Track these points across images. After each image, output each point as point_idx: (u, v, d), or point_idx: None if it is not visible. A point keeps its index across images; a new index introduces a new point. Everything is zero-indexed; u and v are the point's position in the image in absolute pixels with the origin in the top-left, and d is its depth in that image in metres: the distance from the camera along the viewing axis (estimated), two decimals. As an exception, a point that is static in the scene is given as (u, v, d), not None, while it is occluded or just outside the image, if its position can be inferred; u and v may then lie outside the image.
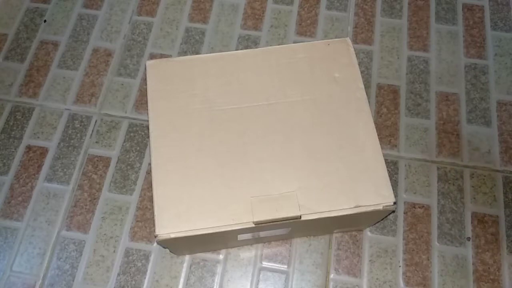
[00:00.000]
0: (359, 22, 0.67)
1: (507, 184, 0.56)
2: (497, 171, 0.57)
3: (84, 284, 0.52)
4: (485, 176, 0.57)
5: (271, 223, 0.40)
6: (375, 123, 0.59)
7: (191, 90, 0.46)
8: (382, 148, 0.51)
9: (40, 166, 0.58)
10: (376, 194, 0.41)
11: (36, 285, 0.52)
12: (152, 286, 0.52)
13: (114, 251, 0.53)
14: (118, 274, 0.52)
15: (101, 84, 0.63)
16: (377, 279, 0.52)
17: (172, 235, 0.39)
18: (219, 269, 0.52)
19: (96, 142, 0.59)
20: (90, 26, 0.67)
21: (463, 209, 0.55)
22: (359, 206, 0.41)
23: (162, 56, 0.65)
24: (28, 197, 0.56)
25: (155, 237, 0.40)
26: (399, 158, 0.58)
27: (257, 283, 0.52)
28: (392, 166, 0.57)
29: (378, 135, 0.50)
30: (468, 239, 0.54)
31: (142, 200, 0.56)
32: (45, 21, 0.67)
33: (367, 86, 0.62)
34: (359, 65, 0.52)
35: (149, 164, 0.57)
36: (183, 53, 0.65)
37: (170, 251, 0.52)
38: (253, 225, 0.40)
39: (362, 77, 0.55)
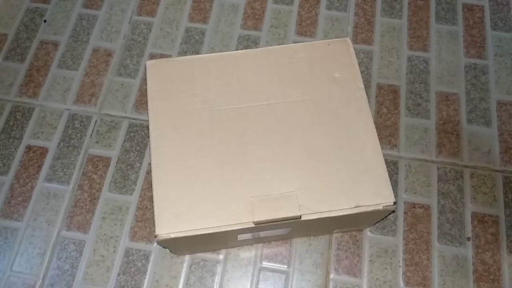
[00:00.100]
0: (359, 22, 0.67)
1: (507, 184, 0.56)
2: (497, 171, 0.57)
3: (84, 284, 0.52)
4: (485, 176, 0.57)
5: (271, 223, 0.40)
6: (375, 123, 0.59)
7: (191, 90, 0.46)
8: (382, 148, 0.51)
9: (40, 166, 0.58)
10: (376, 194, 0.41)
11: (36, 285, 0.52)
12: (152, 286, 0.52)
13: (114, 251, 0.53)
14: (118, 274, 0.52)
15: (101, 84, 0.63)
16: (377, 279, 0.52)
17: (172, 235, 0.39)
18: (219, 269, 0.52)
19: (96, 142, 0.59)
20: (90, 26, 0.67)
21: (463, 209, 0.55)
22: (359, 206, 0.41)
23: (162, 56, 0.65)
24: (28, 197, 0.56)
25: (155, 237, 0.40)
26: (399, 158, 0.58)
27: (257, 283, 0.52)
28: (392, 166, 0.57)
29: (378, 135, 0.50)
30: (468, 239, 0.54)
31: (142, 200, 0.56)
32: (45, 21, 0.67)
33: (367, 86, 0.62)
34: (359, 65, 0.52)
35: (149, 164, 0.57)
36: (183, 53, 0.65)
37: (170, 251, 0.52)
38: (253, 225, 0.40)
39: (362, 77, 0.55)
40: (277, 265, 0.52)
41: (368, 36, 0.66)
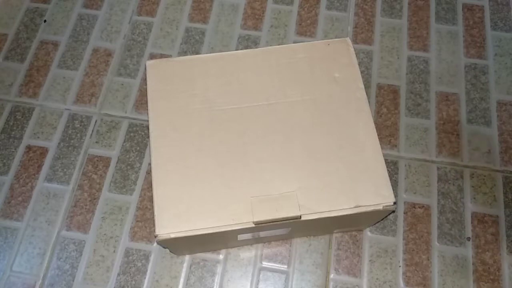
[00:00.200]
0: (359, 22, 0.67)
1: (507, 184, 0.56)
2: (497, 171, 0.57)
3: (84, 284, 0.52)
4: (485, 176, 0.57)
5: (271, 223, 0.40)
6: (375, 123, 0.59)
7: (191, 90, 0.46)
8: (382, 148, 0.51)
9: (40, 166, 0.58)
10: (376, 194, 0.41)
11: (36, 285, 0.52)
12: (152, 286, 0.52)
13: (114, 251, 0.53)
14: (118, 274, 0.52)
15: (101, 84, 0.63)
16: (377, 279, 0.52)
17: (172, 235, 0.39)
18: (219, 269, 0.52)
19: (96, 142, 0.59)
20: (90, 26, 0.67)
21: (463, 209, 0.55)
22: (359, 206, 0.41)
23: (162, 56, 0.65)
24: (28, 197, 0.56)
25: (155, 237, 0.40)
26: (399, 158, 0.58)
27: (257, 283, 0.52)
28: (392, 166, 0.57)
29: (378, 135, 0.50)
30: (468, 239, 0.54)
31: (142, 200, 0.56)
32: (45, 21, 0.67)
33: (367, 86, 0.62)
34: (359, 65, 0.52)
35: (149, 164, 0.57)
36: (183, 53, 0.65)
37: (170, 251, 0.52)
38: (253, 225, 0.40)
39: (362, 77, 0.55)
40: (277, 265, 0.52)
41: (368, 36, 0.66)
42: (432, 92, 0.62)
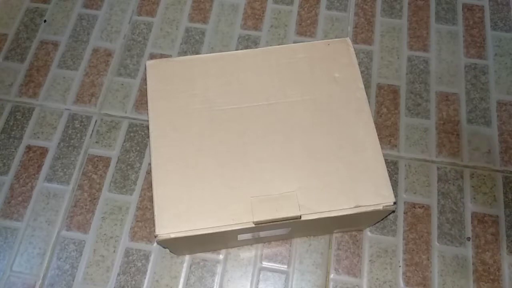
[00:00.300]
0: (359, 22, 0.67)
1: (507, 184, 0.56)
2: (497, 171, 0.57)
3: (84, 284, 0.52)
4: (485, 176, 0.57)
5: (271, 223, 0.40)
6: (375, 123, 0.59)
7: (191, 90, 0.46)
8: (382, 148, 0.51)
9: (40, 166, 0.58)
10: (376, 194, 0.41)
11: (36, 285, 0.52)
12: (152, 286, 0.52)
13: (114, 251, 0.53)
14: (118, 274, 0.52)
15: (101, 84, 0.63)
16: (377, 279, 0.52)
17: (172, 235, 0.39)
18: (219, 269, 0.52)
19: (96, 142, 0.59)
20: (90, 26, 0.67)
21: (463, 209, 0.55)
22: (359, 206, 0.41)
23: (162, 56, 0.65)
24: (28, 197, 0.56)
25: (155, 237, 0.40)
26: (399, 158, 0.58)
27: (257, 283, 0.52)
28: (392, 166, 0.57)
29: (378, 135, 0.50)
30: (468, 239, 0.54)
31: (142, 200, 0.56)
32: (45, 21, 0.67)
33: (367, 86, 0.62)
34: (359, 65, 0.52)
35: (149, 164, 0.57)
36: (183, 53, 0.65)
37: (170, 251, 0.52)
38: (253, 225, 0.40)
39: (362, 77, 0.55)
40: (277, 265, 0.52)
41: (368, 36, 0.66)
42: (432, 92, 0.62)
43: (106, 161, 0.58)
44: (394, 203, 0.41)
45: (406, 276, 0.52)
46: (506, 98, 0.61)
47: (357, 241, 0.54)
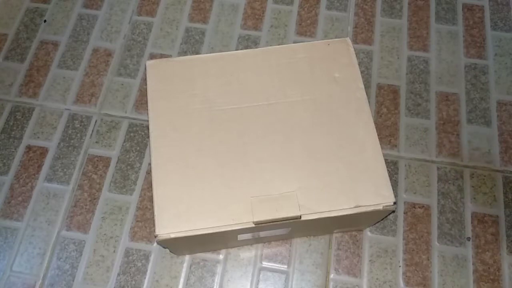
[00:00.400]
0: (359, 22, 0.67)
1: (507, 184, 0.56)
2: (497, 171, 0.57)
3: (84, 284, 0.52)
4: (485, 176, 0.57)
5: (271, 223, 0.40)
6: (375, 123, 0.59)
7: (191, 90, 0.46)
8: (382, 148, 0.51)
9: (40, 166, 0.58)
10: (376, 194, 0.41)
11: (36, 285, 0.52)
12: (152, 286, 0.52)
13: (114, 251, 0.53)
14: (118, 274, 0.52)
15: (101, 84, 0.63)
16: (377, 279, 0.52)
17: (172, 235, 0.39)
18: (219, 269, 0.52)
19: (96, 142, 0.59)
20: (90, 26, 0.67)
21: (463, 209, 0.55)
22: (359, 206, 0.41)
23: (162, 56, 0.65)
24: (28, 197, 0.56)
25: (155, 237, 0.40)
26: (399, 158, 0.58)
27: (257, 283, 0.52)
28: (392, 166, 0.57)
29: (378, 135, 0.50)
30: (468, 239, 0.54)
31: (142, 200, 0.56)
32: (45, 21, 0.67)
33: (367, 86, 0.62)
34: (359, 65, 0.52)
35: (149, 164, 0.57)
36: (183, 53, 0.65)
37: (170, 251, 0.52)
38: (253, 225, 0.40)
39: (362, 77, 0.55)
40: (277, 265, 0.52)
41: (368, 36, 0.66)
42: (432, 92, 0.62)
43: (106, 161, 0.58)
44: (394, 203, 0.41)
45: (406, 276, 0.52)
46: (506, 98, 0.61)
47: (357, 241, 0.54)
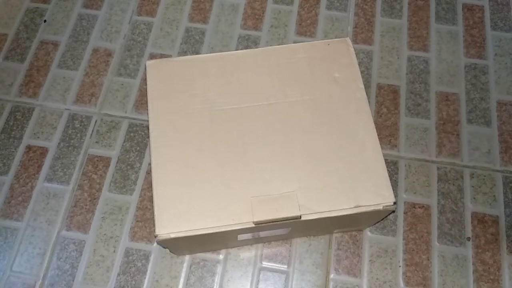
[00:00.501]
0: (359, 22, 0.67)
1: (507, 184, 0.56)
2: (497, 171, 0.57)
3: (84, 284, 0.52)
4: (485, 176, 0.57)
5: (271, 223, 0.40)
6: (375, 123, 0.59)
7: (191, 90, 0.46)
8: (382, 148, 0.51)
9: (40, 166, 0.58)
10: (376, 194, 0.41)
11: (36, 285, 0.52)
12: (152, 286, 0.52)
13: (114, 251, 0.53)
14: (118, 274, 0.52)
15: (101, 84, 0.63)
16: (377, 279, 0.52)
17: (172, 235, 0.39)
18: (219, 269, 0.52)
19: (96, 142, 0.59)
20: (90, 26, 0.67)
21: (463, 209, 0.55)
22: (359, 206, 0.41)
23: (162, 56, 0.65)
24: (28, 197, 0.56)
25: (155, 237, 0.40)
26: (399, 158, 0.58)
27: (257, 283, 0.52)
28: (392, 166, 0.57)
29: (378, 135, 0.50)
30: (468, 239, 0.54)
31: (142, 200, 0.56)
32: (45, 21, 0.67)
33: (367, 86, 0.62)
34: (359, 65, 0.52)
35: (149, 164, 0.57)
36: (183, 53, 0.65)
37: (170, 251, 0.52)
38: (253, 225, 0.40)
39: (362, 77, 0.55)
40: (277, 265, 0.52)
41: (368, 36, 0.66)
42: (432, 92, 0.62)
43: (106, 161, 0.58)
44: (394, 203, 0.41)
45: (406, 276, 0.52)
46: (506, 98, 0.61)
47: (357, 241, 0.54)
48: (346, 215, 0.41)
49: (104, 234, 0.54)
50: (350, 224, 0.49)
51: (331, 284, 0.52)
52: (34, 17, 0.68)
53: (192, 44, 0.65)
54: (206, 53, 0.61)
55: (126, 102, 0.62)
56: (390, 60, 0.64)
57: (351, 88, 0.46)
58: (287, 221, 0.40)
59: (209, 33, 0.66)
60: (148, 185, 0.57)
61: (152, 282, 0.52)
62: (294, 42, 0.65)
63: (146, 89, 0.50)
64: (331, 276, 0.52)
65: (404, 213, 0.55)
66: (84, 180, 0.57)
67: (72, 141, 0.59)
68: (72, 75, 0.63)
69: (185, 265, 0.52)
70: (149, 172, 0.57)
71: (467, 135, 0.59)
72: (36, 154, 0.58)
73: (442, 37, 0.65)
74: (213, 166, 0.42)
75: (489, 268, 0.52)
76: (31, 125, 0.60)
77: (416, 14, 0.67)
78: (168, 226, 0.40)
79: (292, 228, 0.46)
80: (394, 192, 0.42)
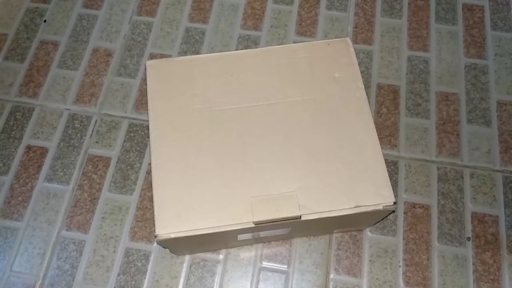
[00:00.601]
0: (359, 22, 0.67)
1: (507, 184, 0.56)
2: (497, 171, 0.57)
3: (84, 284, 0.52)
4: (485, 176, 0.57)
5: (271, 223, 0.40)
6: (375, 123, 0.59)
7: (191, 90, 0.46)
8: (382, 148, 0.51)
9: (40, 166, 0.58)
10: (376, 194, 0.41)
11: (36, 285, 0.52)
12: (152, 286, 0.52)
13: (114, 251, 0.53)
14: (118, 274, 0.52)
15: (101, 84, 0.63)
16: (377, 279, 0.52)
17: (172, 235, 0.39)
18: (219, 269, 0.52)
19: (96, 142, 0.59)
20: (90, 26, 0.67)
21: (463, 209, 0.55)
22: (359, 206, 0.41)
23: (162, 56, 0.65)
24: (28, 197, 0.56)
25: (155, 237, 0.40)
26: (399, 158, 0.58)
27: (257, 283, 0.52)
28: (392, 166, 0.57)
29: (378, 135, 0.50)
30: (468, 239, 0.54)
31: (142, 200, 0.56)
32: (45, 21, 0.67)
33: (367, 86, 0.62)
34: (359, 65, 0.52)
35: (149, 164, 0.57)
36: (183, 53, 0.65)
37: (170, 251, 0.52)
38: (253, 225, 0.40)
39: (362, 77, 0.55)
40: (277, 265, 0.52)
41: (368, 36, 0.66)
42: (432, 92, 0.62)
43: (106, 161, 0.58)
44: (394, 203, 0.41)
45: (406, 276, 0.52)
46: (506, 98, 0.61)
47: (357, 241, 0.54)
48: (346, 215, 0.41)
49: (104, 234, 0.54)
50: (350, 224, 0.49)
51: (331, 284, 0.52)
52: (34, 17, 0.68)
53: (192, 44, 0.65)
54: (206, 53, 0.61)
55: (126, 102, 0.62)
56: (390, 60, 0.64)
57: (351, 88, 0.46)
58: (287, 221, 0.40)
59: (209, 33, 0.66)
60: (148, 185, 0.57)
61: (152, 282, 0.52)
62: (294, 42, 0.65)
63: (146, 89, 0.50)
64: (331, 276, 0.52)
65: (404, 213, 0.55)
66: (84, 180, 0.57)
67: (72, 141, 0.59)
68: (72, 75, 0.63)
69: (185, 265, 0.52)
70: (149, 172, 0.57)
71: (467, 135, 0.59)
72: (36, 154, 0.59)
73: (442, 37, 0.65)
74: (213, 166, 0.42)
75: (489, 268, 0.52)
76: (31, 125, 0.60)
77: (416, 14, 0.67)
78: (168, 226, 0.40)
79: (292, 228, 0.46)
80: (394, 192, 0.42)
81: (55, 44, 0.66)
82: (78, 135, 0.60)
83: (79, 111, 0.61)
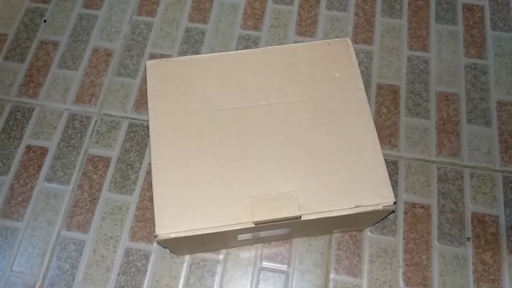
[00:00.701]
0: (359, 22, 0.67)
1: (507, 184, 0.56)
2: (497, 171, 0.57)
3: (84, 284, 0.52)
4: (485, 176, 0.57)
5: (271, 223, 0.40)
6: (375, 123, 0.59)
7: (191, 90, 0.46)
8: (382, 148, 0.51)
9: (40, 166, 0.58)
10: (376, 194, 0.41)
11: (36, 285, 0.52)
12: (152, 286, 0.52)
13: (114, 251, 0.53)
14: (118, 274, 0.52)
15: (101, 84, 0.63)
16: (377, 279, 0.52)
17: (172, 235, 0.39)
18: (219, 269, 0.52)
19: (96, 142, 0.59)
20: (90, 26, 0.67)
21: (463, 209, 0.55)
22: (359, 206, 0.41)
23: (162, 56, 0.65)
24: (28, 197, 0.56)
25: (155, 237, 0.40)
26: (399, 158, 0.58)
27: (257, 283, 0.52)
28: (392, 166, 0.57)
29: (378, 135, 0.50)
30: (468, 239, 0.54)
31: (142, 200, 0.56)
32: (45, 21, 0.67)
33: (367, 86, 0.62)
34: (359, 65, 0.52)
35: (149, 164, 0.57)
36: (183, 53, 0.65)
37: (170, 251, 0.52)
38: (253, 225, 0.40)
39: (362, 77, 0.55)
40: (277, 265, 0.52)
41: (368, 36, 0.66)
42: (432, 92, 0.62)
43: (106, 161, 0.58)
44: (394, 203, 0.41)
45: (406, 276, 0.52)
46: (506, 98, 0.61)
47: (357, 241, 0.54)
48: (346, 215, 0.41)
49: (104, 234, 0.54)
50: (350, 224, 0.49)
51: (331, 284, 0.52)
52: (34, 17, 0.68)
53: (192, 44, 0.65)
54: (206, 53, 0.61)
55: (126, 102, 0.62)
56: (390, 60, 0.64)
57: (351, 88, 0.46)
58: (287, 221, 0.40)
59: (209, 33, 0.66)
60: (148, 185, 0.57)
61: (152, 282, 0.52)
62: (294, 42, 0.65)
63: (146, 89, 0.50)
64: (331, 276, 0.52)
65: (404, 213, 0.55)
66: (84, 180, 0.57)
67: (72, 141, 0.59)
68: (72, 75, 0.63)
69: (185, 265, 0.52)
70: (149, 172, 0.57)
71: (467, 135, 0.59)
72: (36, 154, 0.59)
73: (442, 37, 0.65)
74: (213, 166, 0.42)
75: (489, 268, 0.52)
76: (31, 125, 0.60)
77: (416, 14, 0.67)
78: (168, 226, 0.40)
79: (292, 228, 0.46)
80: (394, 192, 0.42)
81: (55, 44, 0.66)
82: (78, 135, 0.60)
83: (79, 111, 0.61)
